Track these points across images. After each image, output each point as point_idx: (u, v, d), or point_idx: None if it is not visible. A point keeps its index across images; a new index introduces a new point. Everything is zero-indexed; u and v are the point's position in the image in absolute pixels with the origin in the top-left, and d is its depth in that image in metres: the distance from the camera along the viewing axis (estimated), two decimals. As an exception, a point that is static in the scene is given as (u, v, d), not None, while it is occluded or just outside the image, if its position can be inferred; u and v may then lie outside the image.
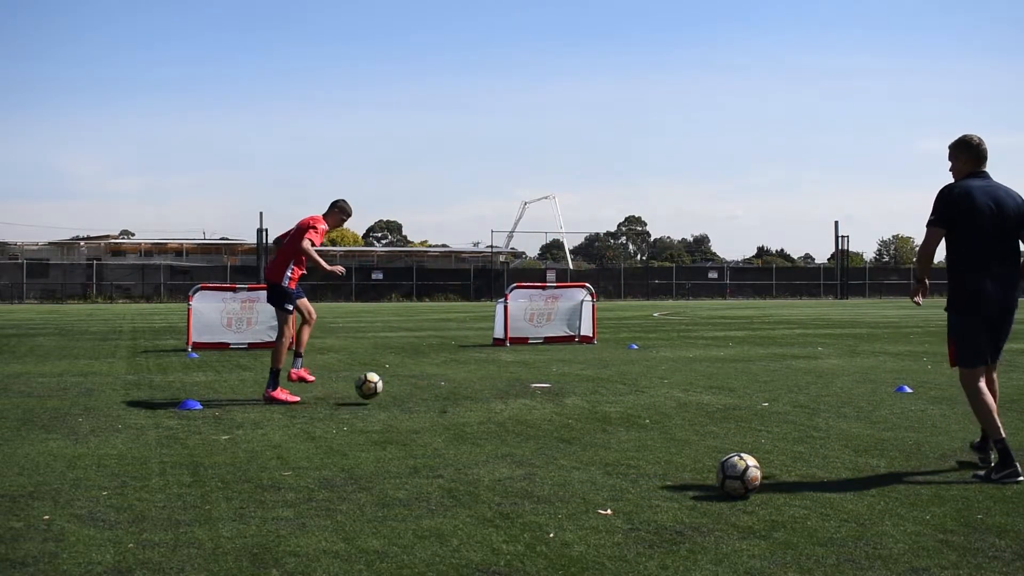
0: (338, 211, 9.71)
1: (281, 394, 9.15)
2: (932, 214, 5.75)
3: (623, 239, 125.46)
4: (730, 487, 5.11)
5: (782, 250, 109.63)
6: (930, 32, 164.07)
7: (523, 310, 17.80)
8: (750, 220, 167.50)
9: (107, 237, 76.24)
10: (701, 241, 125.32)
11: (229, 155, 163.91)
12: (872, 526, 4.56)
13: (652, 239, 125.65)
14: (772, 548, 4.21)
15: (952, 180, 5.93)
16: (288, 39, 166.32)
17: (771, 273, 70.48)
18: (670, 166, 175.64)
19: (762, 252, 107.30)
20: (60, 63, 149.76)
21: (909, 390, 9.91)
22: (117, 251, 69.53)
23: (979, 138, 5.85)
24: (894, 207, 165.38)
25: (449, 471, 5.85)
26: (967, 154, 5.84)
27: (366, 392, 9.08)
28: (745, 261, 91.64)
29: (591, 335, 17.89)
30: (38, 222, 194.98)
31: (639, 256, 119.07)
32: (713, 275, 68.75)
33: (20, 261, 56.41)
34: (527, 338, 17.51)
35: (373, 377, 9.17)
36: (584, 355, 14.88)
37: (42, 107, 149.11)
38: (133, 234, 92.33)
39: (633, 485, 5.46)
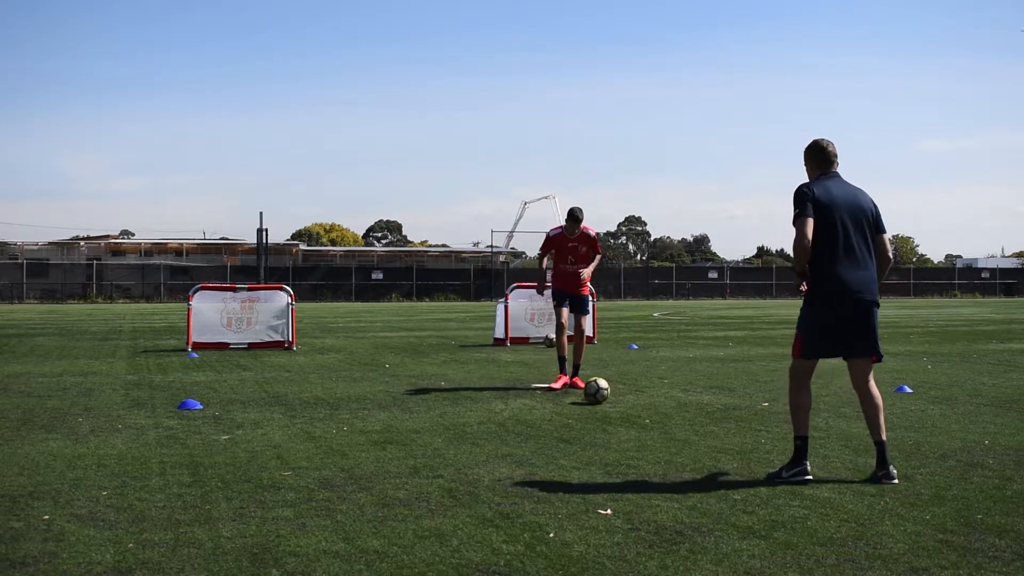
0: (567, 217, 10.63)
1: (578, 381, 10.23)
2: (796, 208, 5.68)
3: (623, 239, 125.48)
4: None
5: (782, 250, 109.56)
6: (930, 32, 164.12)
7: (524, 310, 17.82)
8: (750, 220, 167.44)
9: (107, 237, 76.17)
10: (701, 241, 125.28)
11: (229, 155, 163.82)
12: (872, 526, 4.56)
13: (652, 239, 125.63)
14: (772, 548, 4.21)
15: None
16: (288, 40, 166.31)
17: (771, 273, 70.49)
18: (670, 166, 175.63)
19: (762, 252, 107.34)
20: (61, 64, 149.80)
21: (909, 390, 9.92)
22: (117, 251, 69.48)
23: (827, 141, 5.88)
24: (894, 207, 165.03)
25: (449, 471, 5.85)
26: (815, 157, 5.86)
27: (599, 399, 8.89)
28: (745, 261, 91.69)
29: (591, 335, 17.86)
30: (38, 222, 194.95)
31: (639, 256, 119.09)
32: (713, 275, 68.79)
33: (20, 261, 56.43)
34: (528, 338, 17.53)
35: (603, 383, 8.99)
36: (584, 355, 14.84)
37: (43, 107, 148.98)
38: (133, 234, 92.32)
39: (633, 485, 5.46)
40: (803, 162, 5.95)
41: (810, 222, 5.64)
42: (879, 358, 5.80)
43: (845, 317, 5.69)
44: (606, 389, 8.88)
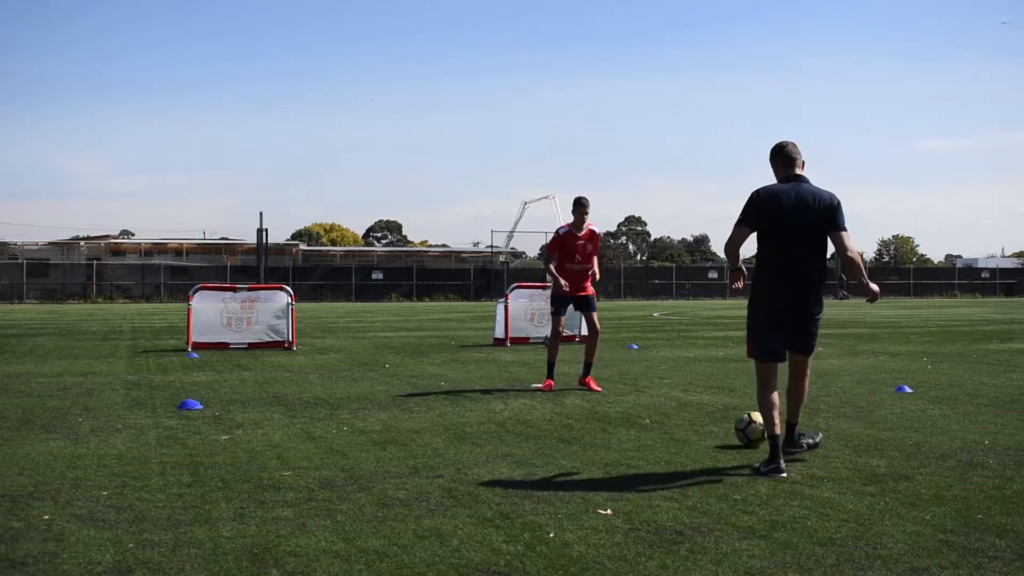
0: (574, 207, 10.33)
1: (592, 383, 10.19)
2: (740, 214, 5.92)
3: (623, 239, 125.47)
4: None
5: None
6: (929, 32, 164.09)
7: (524, 310, 17.84)
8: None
9: (107, 237, 76.12)
10: (701, 241, 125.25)
11: (229, 155, 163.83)
12: (872, 526, 4.56)
13: (652, 239, 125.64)
14: (772, 548, 4.21)
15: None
16: (288, 40, 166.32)
17: (771, 273, 70.41)
18: (670, 166, 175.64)
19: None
20: (61, 64, 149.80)
21: (909, 390, 9.91)
22: (117, 251, 69.44)
23: (787, 142, 6.02)
24: (894, 207, 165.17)
25: (449, 471, 5.85)
26: (777, 159, 6.01)
27: (752, 437, 6.65)
28: (745, 261, 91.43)
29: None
30: (38, 222, 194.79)
31: (639, 256, 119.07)
32: (713, 275, 68.73)
33: (20, 261, 56.40)
34: (528, 338, 17.54)
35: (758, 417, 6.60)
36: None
37: (42, 107, 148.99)
38: (133, 234, 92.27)
39: (633, 485, 5.46)
40: (769, 166, 6.09)
41: (744, 230, 5.90)
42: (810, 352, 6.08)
43: (784, 321, 5.94)
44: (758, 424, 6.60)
